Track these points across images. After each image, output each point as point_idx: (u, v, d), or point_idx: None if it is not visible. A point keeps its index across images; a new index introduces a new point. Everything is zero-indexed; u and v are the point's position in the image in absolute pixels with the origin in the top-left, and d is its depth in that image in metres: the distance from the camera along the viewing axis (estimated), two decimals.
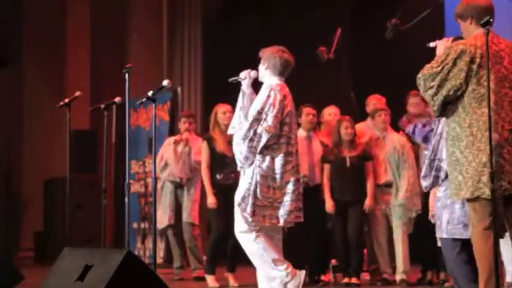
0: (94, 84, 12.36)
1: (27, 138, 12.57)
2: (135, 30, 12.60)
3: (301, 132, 8.20)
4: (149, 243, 10.90)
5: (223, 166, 8.04)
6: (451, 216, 5.08)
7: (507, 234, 4.80)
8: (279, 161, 5.72)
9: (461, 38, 4.89)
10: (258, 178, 5.71)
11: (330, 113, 8.44)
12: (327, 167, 8.02)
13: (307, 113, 8.18)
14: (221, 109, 8.16)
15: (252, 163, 5.74)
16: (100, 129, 10.44)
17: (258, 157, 5.72)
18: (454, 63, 4.69)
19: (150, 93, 6.13)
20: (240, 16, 12.46)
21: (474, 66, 4.67)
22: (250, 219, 5.73)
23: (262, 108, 5.74)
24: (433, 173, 5.23)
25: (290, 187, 5.75)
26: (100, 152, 11.18)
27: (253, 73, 6.00)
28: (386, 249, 8.04)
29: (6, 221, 12.42)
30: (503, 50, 4.74)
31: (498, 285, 4.55)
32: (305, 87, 10.07)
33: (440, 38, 5.20)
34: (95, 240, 10.78)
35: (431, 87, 4.73)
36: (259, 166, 5.72)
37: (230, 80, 6.05)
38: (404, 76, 8.36)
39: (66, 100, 7.40)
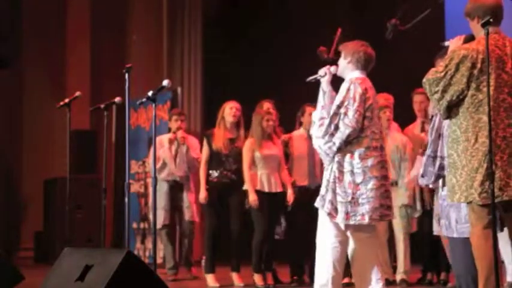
0: (94, 84, 12.36)
1: (27, 138, 12.57)
2: (135, 30, 12.61)
3: (302, 131, 8.22)
4: (149, 243, 10.91)
5: (219, 164, 8.06)
6: (459, 215, 5.08)
7: (506, 233, 4.81)
8: (358, 155, 5.52)
9: (473, 36, 4.89)
10: (337, 174, 5.51)
11: None
12: None
13: (311, 112, 8.18)
14: (229, 105, 8.19)
15: (331, 160, 5.56)
16: (100, 129, 10.45)
17: (337, 153, 5.53)
18: (457, 69, 4.70)
19: (150, 93, 6.12)
20: (240, 16, 12.47)
21: (475, 72, 4.67)
22: (330, 218, 5.51)
23: (342, 102, 5.55)
24: (436, 171, 5.23)
25: (375, 182, 5.52)
26: (100, 152, 11.17)
27: (332, 69, 5.80)
28: (387, 248, 8.03)
29: (6, 221, 12.43)
30: (507, 55, 4.73)
31: (498, 284, 4.55)
32: (305, 87, 10.08)
33: (440, 38, 5.20)
34: (95, 240, 10.78)
35: (436, 92, 4.75)
36: (338, 162, 5.52)
37: (308, 79, 5.85)
38: (404, 76, 8.38)
39: (66, 100, 7.40)
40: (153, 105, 6.19)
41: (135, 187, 11.23)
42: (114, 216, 11.88)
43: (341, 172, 5.52)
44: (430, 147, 5.28)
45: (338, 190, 5.50)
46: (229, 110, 8.14)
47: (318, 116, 5.70)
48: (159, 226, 8.78)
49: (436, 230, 6.29)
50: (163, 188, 8.76)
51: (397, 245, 7.95)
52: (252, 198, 7.78)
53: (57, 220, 11.13)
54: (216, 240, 8.08)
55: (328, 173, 5.58)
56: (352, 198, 5.49)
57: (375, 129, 5.61)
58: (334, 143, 5.53)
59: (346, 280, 7.94)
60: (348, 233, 5.62)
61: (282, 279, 8.24)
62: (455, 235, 5.14)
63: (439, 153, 5.25)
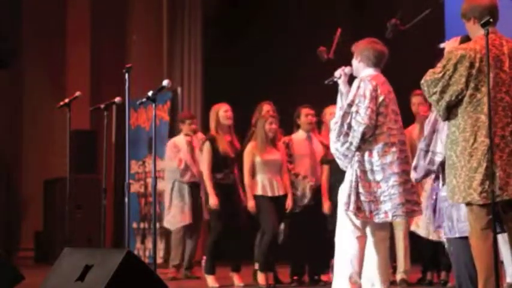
0: (94, 84, 12.37)
1: (27, 138, 12.58)
2: (135, 30, 12.61)
3: (301, 133, 8.21)
4: (149, 243, 10.91)
5: (225, 166, 8.05)
6: (459, 214, 5.08)
7: (505, 234, 4.81)
8: (376, 153, 5.50)
9: (469, 37, 4.89)
10: (359, 173, 5.49)
11: (332, 112, 8.40)
12: (326, 167, 8.01)
13: (306, 113, 8.17)
14: (222, 108, 8.14)
15: (351, 160, 5.55)
16: (100, 129, 10.45)
17: (356, 152, 5.51)
18: (455, 69, 4.69)
19: (150, 93, 6.11)
20: (240, 16, 12.47)
21: (473, 71, 4.67)
22: (355, 217, 5.50)
23: (353, 101, 5.52)
24: (426, 165, 5.21)
25: (396, 179, 5.49)
26: (100, 152, 11.18)
27: (347, 69, 5.79)
28: None
29: (6, 221, 12.43)
30: (504, 54, 4.73)
31: (497, 285, 4.55)
32: (305, 87, 10.08)
33: (440, 38, 5.20)
34: (95, 240, 10.78)
35: (434, 93, 4.74)
36: (358, 161, 5.50)
37: (326, 81, 5.84)
38: (403, 76, 8.37)
39: (66, 100, 7.39)
40: (153, 105, 6.18)
41: (135, 187, 11.23)
42: (114, 216, 11.88)
43: (362, 171, 5.51)
44: (425, 141, 5.27)
45: (361, 189, 5.49)
46: (224, 113, 8.09)
47: (333, 121, 5.69)
48: (180, 225, 8.85)
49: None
50: (184, 189, 8.87)
51: (396, 244, 7.93)
52: (250, 204, 7.79)
53: (57, 220, 11.14)
54: (220, 242, 8.07)
55: (350, 173, 5.56)
56: (374, 196, 5.48)
57: (391, 124, 5.58)
58: (351, 143, 5.50)
59: None
60: (368, 232, 5.60)
61: (282, 279, 8.23)
62: (457, 235, 5.13)
63: (431, 148, 5.24)
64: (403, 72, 9.08)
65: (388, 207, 5.49)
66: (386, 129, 5.55)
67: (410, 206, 5.56)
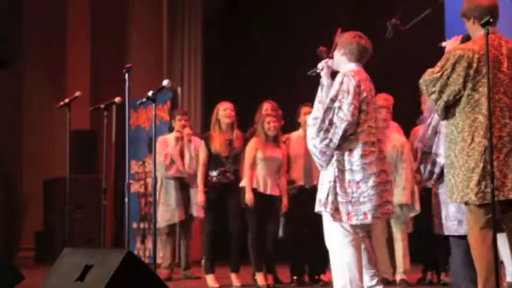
0: (94, 84, 12.37)
1: (27, 138, 12.57)
2: (135, 30, 12.62)
3: (300, 132, 8.21)
4: (149, 243, 10.90)
5: (217, 165, 8.05)
6: (447, 212, 5.11)
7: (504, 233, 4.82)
8: (357, 152, 5.31)
9: (469, 37, 4.89)
10: (337, 173, 5.30)
11: None
12: None
13: (305, 112, 8.12)
14: (222, 106, 8.15)
15: (329, 158, 5.35)
16: (100, 129, 10.44)
17: (336, 151, 5.32)
18: (453, 69, 4.69)
19: (150, 93, 6.12)
20: (240, 16, 12.47)
21: (471, 71, 4.67)
22: (332, 219, 5.32)
23: (336, 96, 5.33)
24: (428, 167, 5.21)
25: (374, 179, 5.31)
26: (100, 152, 11.18)
27: (330, 62, 5.62)
28: (385, 248, 8.02)
29: (6, 221, 12.43)
30: (503, 54, 4.73)
31: (497, 284, 4.55)
32: (305, 87, 10.09)
33: (440, 38, 5.20)
34: (95, 240, 10.78)
35: (433, 92, 4.74)
36: (337, 160, 5.31)
37: (309, 72, 5.68)
38: (403, 76, 8.38)
39: (66, 100, 7.40)
40: (153, 105, 6.19)
41: (135, 187, 11.23)
42: (114, 216, 11.88)
43: (341, 171, 5.33)
44: (422, 142, 5.26)
45: (338, 190, 5.31)
46: (224, 112, 8.10)
47: (312, 116, 5.51)
48: (170, 222, 8.86)
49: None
50: (172, 186, 8.83)
51: (395, 245, 7.94)
52: (249, 196, 7.76)
53: (57, 220, 11.14)
54: (215, 241, 8.08)
55: (329, 173, 5.39)
56: (353, 197, 5.31)
57: (372, 123, 5.41)
58: (331, 140, 5.32)
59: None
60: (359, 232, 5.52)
61: (282, 279, 8.23)
62: (446, 232, 5.15)
63: (433, 150, 5.24)
64: (403, 72, 9.09)
65: (368, 208, 5.31)
66: (367, 127, 5.38)
67: (390, 206, 5.42)
